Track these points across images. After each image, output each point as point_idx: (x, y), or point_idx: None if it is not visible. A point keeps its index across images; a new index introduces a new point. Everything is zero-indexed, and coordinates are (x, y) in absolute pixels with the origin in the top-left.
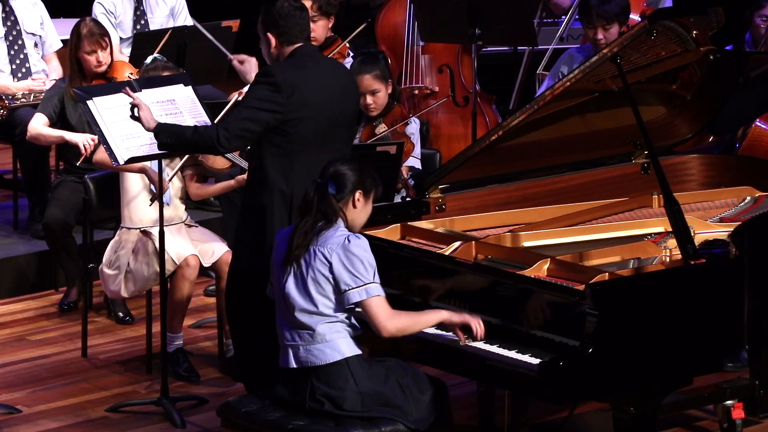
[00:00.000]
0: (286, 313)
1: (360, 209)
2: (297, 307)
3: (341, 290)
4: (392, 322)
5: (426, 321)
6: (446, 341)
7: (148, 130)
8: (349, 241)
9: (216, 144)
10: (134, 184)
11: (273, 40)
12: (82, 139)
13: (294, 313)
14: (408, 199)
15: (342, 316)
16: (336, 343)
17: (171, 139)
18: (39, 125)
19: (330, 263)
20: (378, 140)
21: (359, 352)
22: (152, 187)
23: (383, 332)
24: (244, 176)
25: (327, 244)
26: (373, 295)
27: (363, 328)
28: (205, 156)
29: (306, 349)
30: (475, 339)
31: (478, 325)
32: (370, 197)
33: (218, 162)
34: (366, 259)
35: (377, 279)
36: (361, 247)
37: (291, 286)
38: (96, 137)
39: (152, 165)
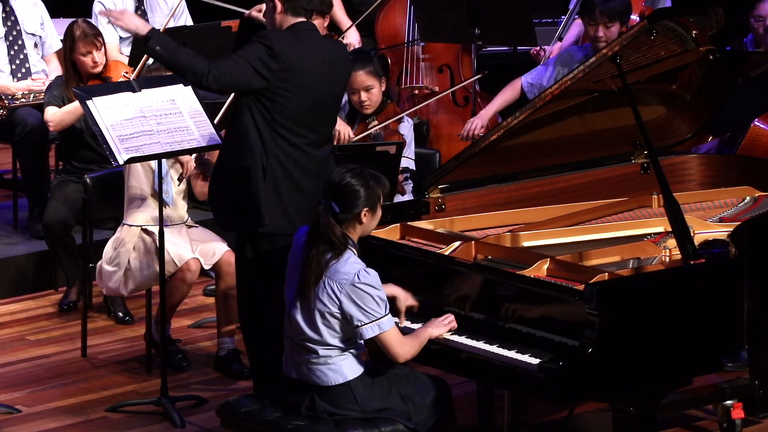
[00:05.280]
0: (290, 328)
1: (367, 222)
2: (301, 334)
3: (354, 325)
4: (405, 349)
5: (424, 340)
6: (446, 342)
7: (141, 34)
8: (358, 278)
9: (204, 77)
10: (138, 182)
11: (279, 6)
12: None
13: (297, 339)
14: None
15: (347, 345)
16: (339, 365)
17: (162, 50)
18: (55, 110)
19: (339, 301)
20: (371, 138)
21: (362, 370)
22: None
23: (399, 360)
24: None
25: (336, 278)
26: (385, 329)
27: (368, 344)
28: (212, 155)
29: (308, 368)
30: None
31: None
32: (379, 207)
33: None
34: (376, 294)
35: (388, 311)
36: (370, 284)
37: (298, 311)
38: None
39: (153, 164)
